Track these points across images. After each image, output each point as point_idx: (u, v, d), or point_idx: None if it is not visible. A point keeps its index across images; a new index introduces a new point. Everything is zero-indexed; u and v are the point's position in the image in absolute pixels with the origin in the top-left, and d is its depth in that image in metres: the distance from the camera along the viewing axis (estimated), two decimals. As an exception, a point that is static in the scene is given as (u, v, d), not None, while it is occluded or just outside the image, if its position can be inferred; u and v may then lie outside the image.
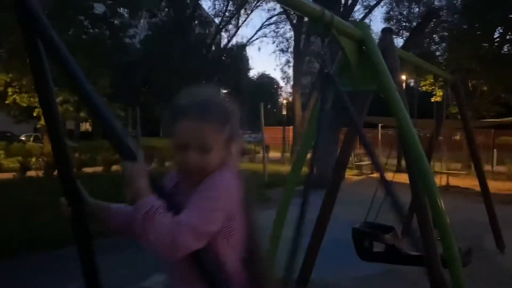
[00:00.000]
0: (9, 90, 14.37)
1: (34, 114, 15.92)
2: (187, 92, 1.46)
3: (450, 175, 12.86)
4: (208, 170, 1.35)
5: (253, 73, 45.69)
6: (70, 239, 5.73)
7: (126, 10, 13.75)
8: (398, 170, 6.85)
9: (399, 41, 15.24)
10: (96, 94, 1.39)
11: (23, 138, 21.50)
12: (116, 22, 13.22)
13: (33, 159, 15.51)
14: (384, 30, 3.28)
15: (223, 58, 32.16)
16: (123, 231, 1.57)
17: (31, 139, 21.17)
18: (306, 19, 18.42)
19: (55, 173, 3.72)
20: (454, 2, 13.84)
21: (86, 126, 25.22)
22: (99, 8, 12.65)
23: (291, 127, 26.79)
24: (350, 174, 15.05)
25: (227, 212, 1.32)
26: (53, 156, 1.46)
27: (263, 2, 20.75)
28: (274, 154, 23.97)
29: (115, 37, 13.20)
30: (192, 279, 1.34)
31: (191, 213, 1.23)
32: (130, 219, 1.32)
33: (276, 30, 28.31)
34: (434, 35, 14.78)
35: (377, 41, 3.20)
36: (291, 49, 23.21)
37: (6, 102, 15.32)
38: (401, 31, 16.18)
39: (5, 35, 9.47)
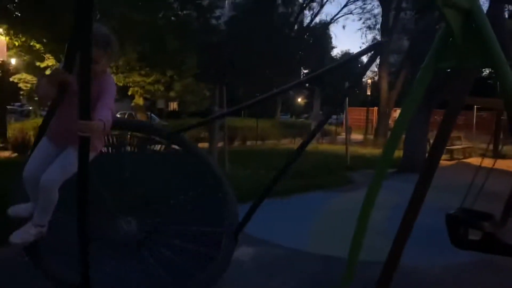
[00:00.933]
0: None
1: (129, 93, 16.97)
2: None
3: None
4: (97, 72, 2.42)
5: (336, 52, 44.70)
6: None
7: (212, -9, 13.98)
8: (496, 155, 6.35)
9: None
10: None
11: (118, 116, 23.14)
12: (203, 3, 13.52)
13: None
14: (495, 1, 3.01)
15: (306, 37, 31.76)
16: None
17: (126, 116, 22.72)
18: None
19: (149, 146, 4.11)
20: None
21: (174, 106, 26.38)
22: (188, -10, 13.01)
23: (375, 108, 25.95)
24: (443, 158, 14.33)
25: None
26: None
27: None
28: (356, 136, 23.46)
29: (202, 18, 13.52)
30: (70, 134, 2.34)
31: (106, 112, 2.38)
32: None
33: (363, 6, 27.40)
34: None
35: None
36: (378, 26, 22.28)
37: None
38: (509, 5, 14.80)
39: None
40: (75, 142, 2.29)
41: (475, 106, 18.22)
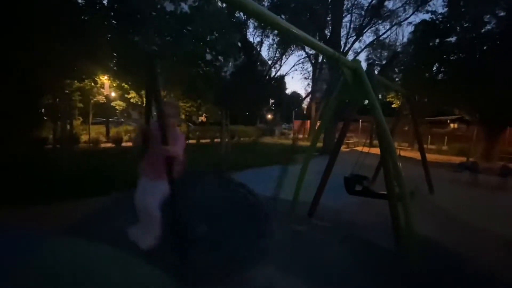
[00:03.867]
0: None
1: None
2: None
3: (401, 150, 12.00)
4: (171, 125, 2.09)
5: (288, 91, 44.63)
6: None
7: (222, 57, 13.88)
8: (370, 146, 6.36)
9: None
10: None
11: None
12: (217, 64, 13.37)
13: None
14: (368, 64, 3.03)
15: (272, 83, 31.65)
16: None
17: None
18: (320, 60, 17.53)
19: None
20: (409, 49, 12.56)
21: (202, 118, 25.90)
22: (208, 57, 12.91)
23: (309, 121, 26.04)
24: (342, 147, 14.40)
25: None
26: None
27: (296, 50, 20.02)
28: (298, 136, 23.46)
29: (217, 72, 13.38)
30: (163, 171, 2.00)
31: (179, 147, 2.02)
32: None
33: (302, 66, 27.48)
34: (396, 69, 13.55)
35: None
36: (310, 77, 22.30)
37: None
38: (375, 66, 14.95)
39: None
40: (161, 175, 2.01)
41: (360, 120, 18.43)
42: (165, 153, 1.94)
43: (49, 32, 5.04)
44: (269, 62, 25.92)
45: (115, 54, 8.76)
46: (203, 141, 14.41)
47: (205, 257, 2.20)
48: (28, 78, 5.16)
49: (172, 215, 1.97)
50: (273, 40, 19.55)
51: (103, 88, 12.64)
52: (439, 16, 10.29)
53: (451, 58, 10.13)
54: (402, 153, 11.82)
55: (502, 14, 9.24)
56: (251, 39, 19.76)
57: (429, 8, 11.78)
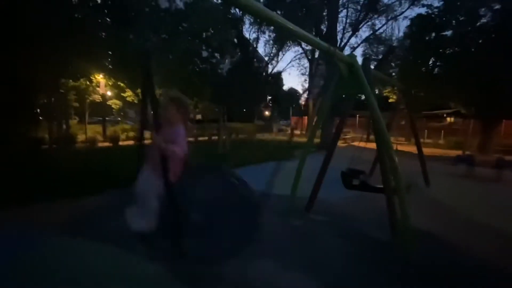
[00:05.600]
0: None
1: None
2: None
3: (398, 144, 12.05)
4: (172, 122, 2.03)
5: (285, 87, 44.53)
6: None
7: (218, 54, 13.79)
8: (367, 140, 6.35)
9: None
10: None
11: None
12: (213, 61, 13.26)
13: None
14: (364, 58, 3.02)
15: (269, 79, 31.56)
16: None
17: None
18: (316, 55, 17.51)
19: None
20: (405, 43, 12.59)
21: (198, 116, 25.84)
22: (204, 53, 12.81)
23: (306, 117, 26.09)
24: (340, 143, 14.43)
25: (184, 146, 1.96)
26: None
27: (292, 46, 19.94)
28: (295, 132, 23.51)
29: (213, 69, 13.28)
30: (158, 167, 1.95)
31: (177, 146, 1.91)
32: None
33: (299, 62, 27.40)
34: (392, 63, 13.58)
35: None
36: (307, 73, 22.28)
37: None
38: (372, 61, 14.97)
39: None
40: (158, 171, 1.97)
41: (357, 115, 18.47)
42: (156, 142, 1.90)
43: (42, 30, 4.99)
44: (266, 59, 25.77)
45: (110, 52, 8.68)
46: (201, 138, 14.38)
47: (195, 242, 2.14)
48: (22, 77, 5.12)
49: (168, 207, 1.95)
50: (270, 36, 19.51)
51: (98, 87, 12.56)
52: (435, 10, 10.30)
53: (447, 52, 10.16)
54: (399, 148, 11.89)
55: (497, 7, 9.25)
56: (247, 36, 19.67)
57: (425, 2, 11.79)
